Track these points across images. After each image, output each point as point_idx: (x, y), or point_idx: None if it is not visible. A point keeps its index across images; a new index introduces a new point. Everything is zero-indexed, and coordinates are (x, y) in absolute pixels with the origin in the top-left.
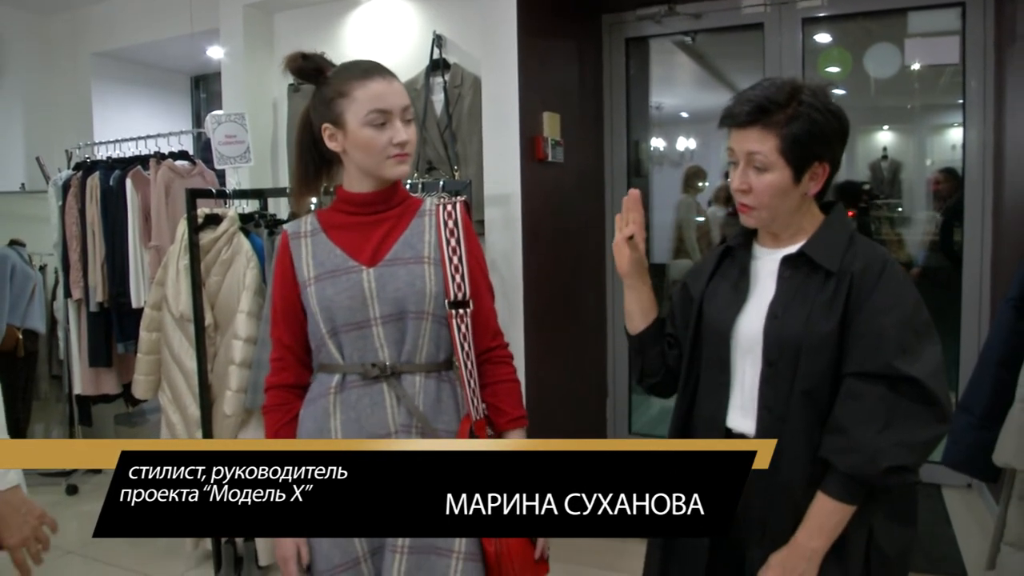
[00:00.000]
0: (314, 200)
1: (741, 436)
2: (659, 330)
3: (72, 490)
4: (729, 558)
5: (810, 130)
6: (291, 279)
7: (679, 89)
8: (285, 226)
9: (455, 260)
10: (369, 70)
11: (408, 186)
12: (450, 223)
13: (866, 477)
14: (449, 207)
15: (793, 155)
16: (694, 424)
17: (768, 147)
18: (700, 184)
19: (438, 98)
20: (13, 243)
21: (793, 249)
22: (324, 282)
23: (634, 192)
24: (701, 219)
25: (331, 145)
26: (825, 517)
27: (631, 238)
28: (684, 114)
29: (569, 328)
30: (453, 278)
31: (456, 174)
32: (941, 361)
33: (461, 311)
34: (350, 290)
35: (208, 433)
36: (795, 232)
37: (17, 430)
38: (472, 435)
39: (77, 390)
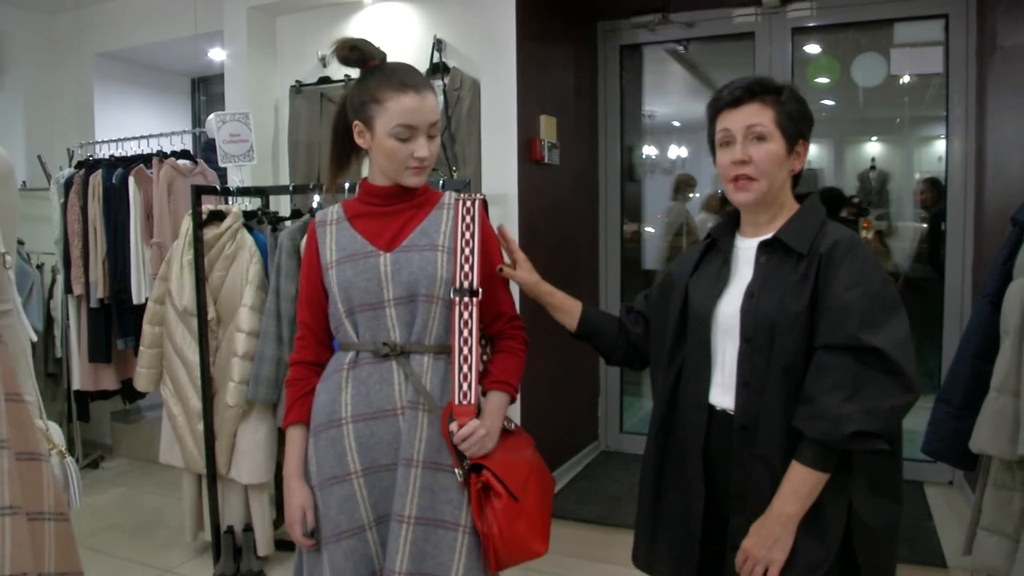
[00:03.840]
0: (316, 198)
1: (723, 411)
2: (593, 322)
3: None
4: (714, 527)
5: (798, 108)
6: (315, 263)
7: (671, 98)
8: (316, 214)
9: (467, 251)
10: (406, 83)
11: None
12: (467, 218)
13: (832, 442)
14: (468, 203)
15: (787, 128)
16: (679, 403)
17: (767, 118)
18: (690, 194)
19: (438, 100)
20: None
21: (769, 236)
22: (344, 265)
23: (500, 229)
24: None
25: (359, 141)
26: (799, 483)
27: (507, 268)
28: (676, 123)
29: (563, 335)
30: (462, 267)
31: (455, 174)
32: (907, 333)
33: (466, 299)
34: (367, 272)
35: (209, 425)
36: (773, 219)
37: None
38: (450, 419)
39: (76, 385)
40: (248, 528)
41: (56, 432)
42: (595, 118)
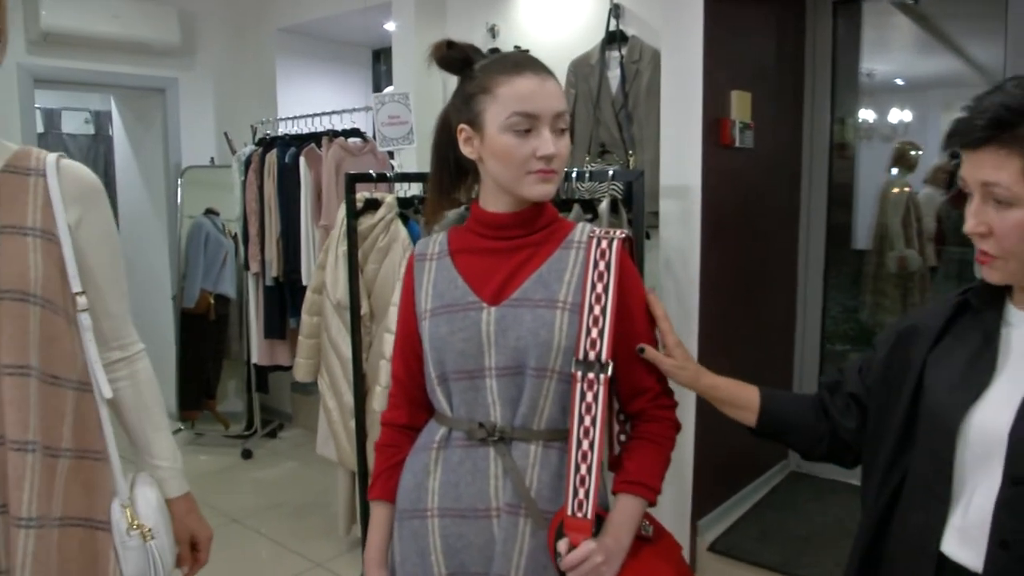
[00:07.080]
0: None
1: (960, 568)
2: (779, 415)
3: (247, 454)
4: None
5: None
6: (411, 307)
7: (895, 54)
8: (416, 244)
9: (596, 311)
10: (520, 64)
11: (575, 173)
12: (601, 264)
13: None
14: (604, 243)
15: None
16: (893, 534)
17: (1010, 174)
18: (913, 153)
19: (614, 74)
20: (208, 212)
21: None
22: (440, 317)
23: (650, 297)
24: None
25: (465, 150)
26: None
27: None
28: (899, 81)
29: (751, 337)
30: (588, 332)
31: (631, 159)
32: None
33: (591, 375)
34: (466, 331)
35: (361, 423)
36: None
37: (208, 389)
38: (560, 535)
39: (254, 359)
40: None
41: (146, 506)
42: (800, 89)
